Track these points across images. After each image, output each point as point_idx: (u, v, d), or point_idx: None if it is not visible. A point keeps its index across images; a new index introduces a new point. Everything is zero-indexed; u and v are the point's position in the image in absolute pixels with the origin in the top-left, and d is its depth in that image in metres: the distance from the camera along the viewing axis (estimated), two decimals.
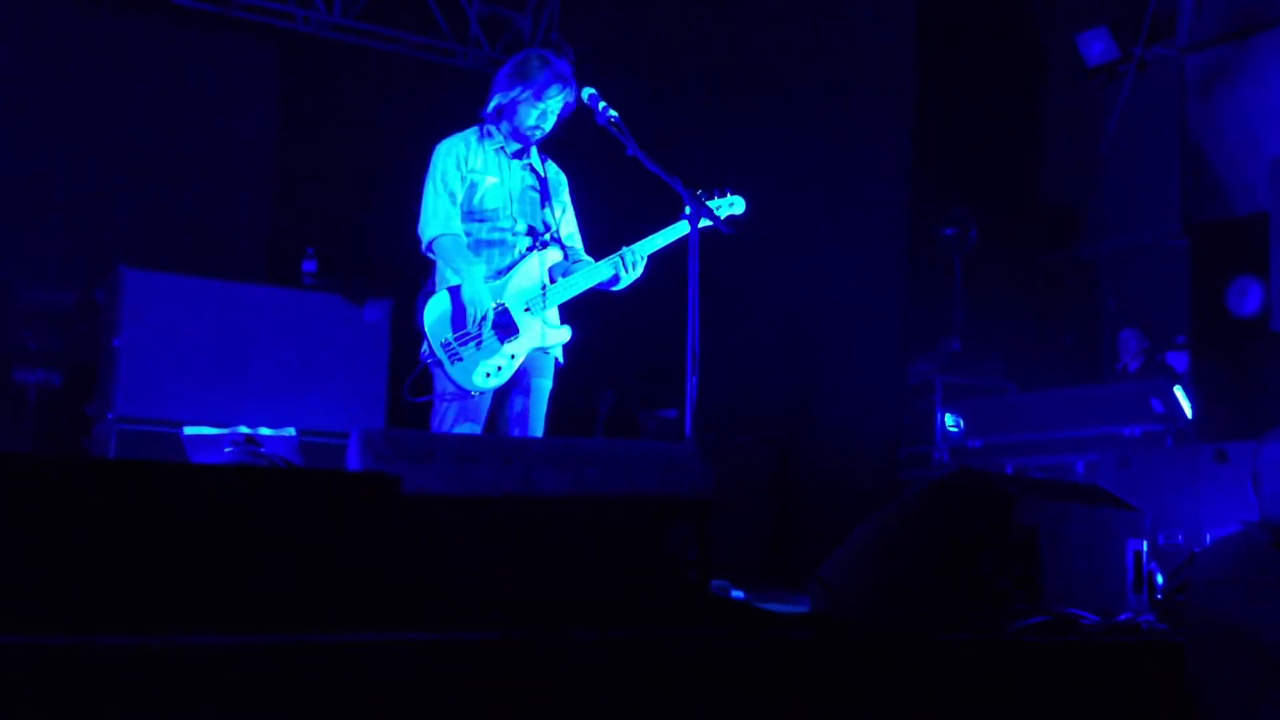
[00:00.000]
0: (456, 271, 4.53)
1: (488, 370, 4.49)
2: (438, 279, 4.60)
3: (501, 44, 9.86)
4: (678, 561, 3.19)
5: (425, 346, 4.52)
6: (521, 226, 4.66)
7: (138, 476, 2.54)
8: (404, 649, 2.47)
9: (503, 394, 4.60)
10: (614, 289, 4.68)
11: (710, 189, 4.64)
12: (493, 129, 4.70)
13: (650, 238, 4.63)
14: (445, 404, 4.52)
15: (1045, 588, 3.64)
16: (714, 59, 9.36)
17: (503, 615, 2.80)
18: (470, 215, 4.63)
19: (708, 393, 4.36)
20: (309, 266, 7.87)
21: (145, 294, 7.13)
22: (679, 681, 2.74)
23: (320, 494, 2.70)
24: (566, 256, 4.74)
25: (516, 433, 4.59)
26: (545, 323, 4.62)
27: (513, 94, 4.61)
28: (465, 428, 4.49)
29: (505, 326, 4.52)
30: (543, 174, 4.76)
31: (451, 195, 4.60)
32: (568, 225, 4.81)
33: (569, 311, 4.74)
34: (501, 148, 4.69)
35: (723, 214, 4.66)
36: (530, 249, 4.65)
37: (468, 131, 4.73)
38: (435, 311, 4.52)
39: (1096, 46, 8.78)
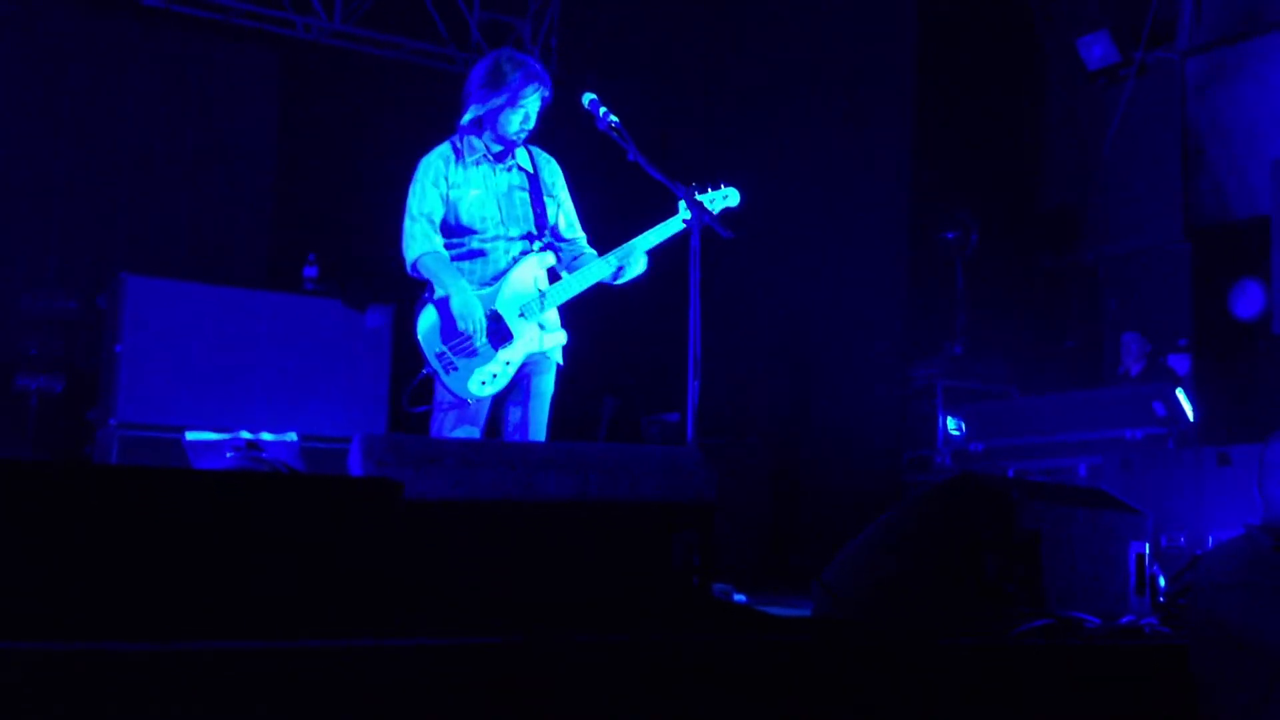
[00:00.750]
0: (442, 286, 4.52)
1: (483, 378, 4.49)
2: (433, 290, 4.59)
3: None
4: (680, 566, 3.19)
5: (424, 357, 4.53)
6: (514, 231, 4.63)
7: (139, 482, 2.54)
8: (406, 654, 2.47)
9: (502, 399, 4.60)
10: (615, 282, 4.67)
11: (705, 183, 4.64)
12: (472, 140, 4.63)
13: (647, 233, 4.61)
14: (443, 412, 4.52)
15: (1047, 591, 3.64)
16: (714, 64, 9.38)
17: (505, 620, 2.79)
18: (457, 229, 4.60)
19: (710, 397, 4.36)
20: (310, 272, 7.88)
21: (147, 300, 7.14)
22: (681, 685, 2.73)
23: (322, 499, 2.70)
24: (561, 257, 4.73)
25: (518, 438, 4.58)
26: (542, 327, 4.61)
27: (490, 103, 4.55)
28: (464, 433, 4.49)
29: (499, 333, 4.51)
30: (531, 170, 4.71)
31: (429, 216, 4.57)
32: (565, 218, 4.77)
33: (572, 316, 4.73)
34: (483, 156, 4.64)
35: (718, 207, 4.64)
36: (524, 253, 4.63)
37: (444, 146, 4.67)
38: (425, 323, 4.53)
39: (1097, 50, 8.78)
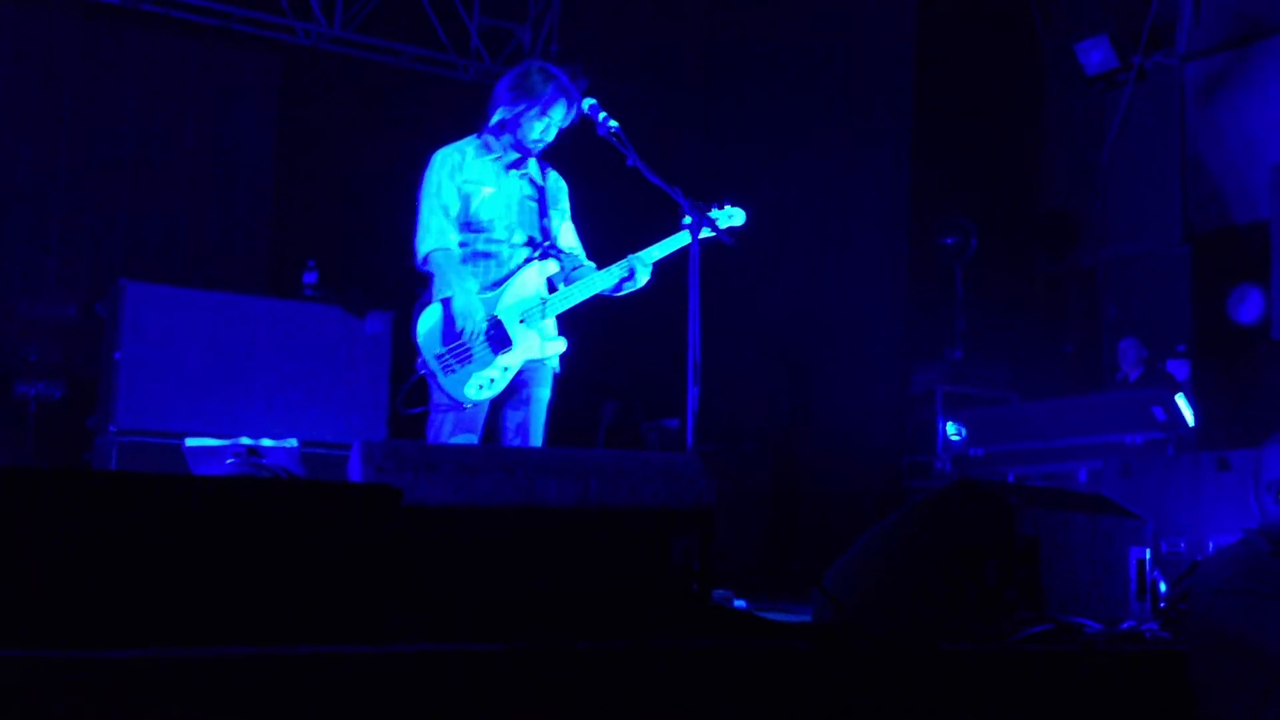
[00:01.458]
0: (448, 285, 4.53)
1: (480, 382, 4.49)
2: (434, 291, 4.60)
3: (502, 56, 9.88)
4: (680, 572, 3.19)
5: (420, 358, 4.53)
6: (520, 237, 4.65)
7: (139, 489, 2.54)
8: (406, 661, 2.47)
9: (500, 405, 4.60)
10: (615, 294, 4.68)
11: (711, 201, 4.65)
12: (492, 140, 4.69)
13: (652, 247, 4.63)
14: (441, 415, 4.53)
15: (1048, 597, 3.64)
16: (714, 70, 9.38)
17: (505, 626, 2.79)
18: (467, 226, 4.62)
19: (710, 403, 4.36)
20: (310, 278, 7.88)
21: (146, 306, 7.15)
22: (682, 692, 2.73)
23: (322, 505, 2.70)
24: (564, 266, 4.74)
25: (517, 443, 4.58)
26: (542, 334, 4.61)
27: (517, 109, 4.60)
28: (462, 438, 4.49)
29: (498, 339, 4.52)
30: (541, 183, 4.75)
31: (445, 208, 4.60)
32: (567, 235, 4.80)
33: (571, 322, 4.74)
34: (499, 158, 4.69)
35: (723, 226, 4.66)
36: (528, 260, 4.65)
37: (464, 141, 4.72)
38: (427, 324, 4.53)
39: (1096, 55, 8.78)
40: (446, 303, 4.51)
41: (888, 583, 3.74)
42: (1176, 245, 8.45)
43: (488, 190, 4.64)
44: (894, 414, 8.14)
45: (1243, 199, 7.86)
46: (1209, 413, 7.26)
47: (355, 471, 3.03)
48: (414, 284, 4.73)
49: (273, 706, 2.30)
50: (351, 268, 8.02)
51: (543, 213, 4.70)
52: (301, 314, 7.57)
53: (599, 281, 4.62)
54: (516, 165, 4.70)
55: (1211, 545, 5.25)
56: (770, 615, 3.83)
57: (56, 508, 2.39)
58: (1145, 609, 3.99)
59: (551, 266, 4.69)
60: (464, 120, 4.82)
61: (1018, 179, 9.49)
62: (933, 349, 8.55)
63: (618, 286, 4.63)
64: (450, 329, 4.50)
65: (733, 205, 4.75)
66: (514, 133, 4.63)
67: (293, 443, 6.39)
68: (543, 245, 4.67)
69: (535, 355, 4.59)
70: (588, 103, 4.58)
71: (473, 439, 4.52)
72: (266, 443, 6.14)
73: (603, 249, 4.79)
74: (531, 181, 4.73)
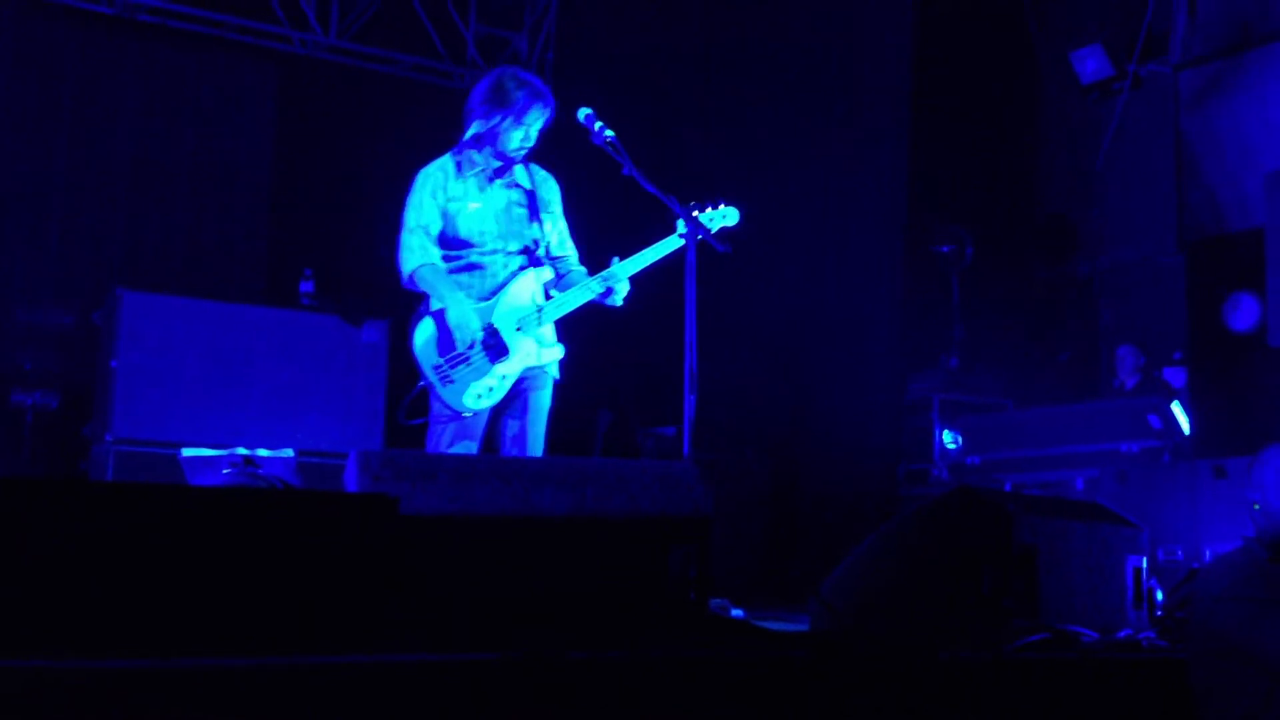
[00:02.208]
0: (440, 298, 4.52)
1: (479, 391, 4.49)
2: (430, 302, 4.60)
3: (499, 65, 9.88)
4: (677, 580, 3.19)
5: (420, 370, 4.53)
6: (513, 246, 4.64)
7: (135, 498, 2.54)
8: (403, 669, 2.46)
9: (500, 413, 4.59)
10: (608, 302, 4.68)
11: (704, 202, 4.64)
12: (473, 155, 4.64)
13: (639, 254, 4.62)
14: (441, 425, 4.52)
15: (1045, 605, 3.64)
16: (710, 78, 9.40)
17: (501, 635, 2.79)
18: (455, 242, 4.60)
19: (706, 411, 4.36)
20: (306, 287, 7.88)
21: (142, 315, 7.14)
22: (678, 701, 2.73)
23: (319, 515, 2.70)
24: (559, 272, 4.73)
25: (515, 452, 4.57)
26: (539, 341, 4.61)
27: (492, 121, 4.56)
28: (462, 447, 4.49)
29: (495, 347, 4.52)
30: (530, 187, 4.71)
31: (425, 228, 4.58)
32: (559, 236, 4.78)
33: (567, 331, 4.73)
34: (482, 171, 4.64)
35: (715, 226, 4.65)
36: (523, 268, 4.64)
37: (444, 159, 4.68)
38: (422, 336, 4.53)
39: (1090, 63, 8.80)
40: (440, 314, 4.51)
41: (885, 591, 3.74)
42: (1172, 253, 8.45)
43: (473, 205, 4.61)
44: (891, 422, 8.14)
45: (1238, 206, 7.87)
46: (1205, 420, 7.26)
47: (352, 481, 3.03)
48: (410, 294, 4.73)
49: (270, 716, 2.30)
50: (348, 276, 8.01)
51: (533, 217, 4.68)
52: (298, 323, 7.57)
53: (589, 290, 4.61)
54: (500, 174, 4.66)
55: (1208, 553, 5.24)
56: (767, 624, 3.83)
57: (53, 517, 2.39)
58: (1142, 617, 3.99)
59: (546, 273, 4.68)
60: (461, 129, 4.81)
61: (1013, 187, 9.51)
62: (929, 357, 8.55)
63: (607, 293, 4.63)
64: (446, 340, 4.49)
65: (727, 205, 4.74)
66: (493, 144, 4.60)
67: (289, 452, 6.39)
68: (535, 251, 4.67)
69: (533, 362, 4.59)
70: (583, 112, 4.57)
71: (473, 447, 4.51)
72: (263, 452, 6.13)
73: (599, 254, 4.79)
74: (519, 187, 4.70)
